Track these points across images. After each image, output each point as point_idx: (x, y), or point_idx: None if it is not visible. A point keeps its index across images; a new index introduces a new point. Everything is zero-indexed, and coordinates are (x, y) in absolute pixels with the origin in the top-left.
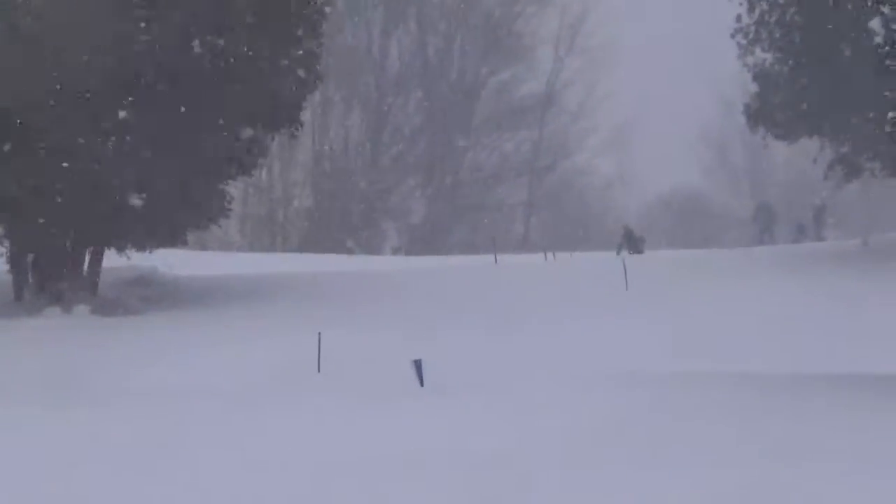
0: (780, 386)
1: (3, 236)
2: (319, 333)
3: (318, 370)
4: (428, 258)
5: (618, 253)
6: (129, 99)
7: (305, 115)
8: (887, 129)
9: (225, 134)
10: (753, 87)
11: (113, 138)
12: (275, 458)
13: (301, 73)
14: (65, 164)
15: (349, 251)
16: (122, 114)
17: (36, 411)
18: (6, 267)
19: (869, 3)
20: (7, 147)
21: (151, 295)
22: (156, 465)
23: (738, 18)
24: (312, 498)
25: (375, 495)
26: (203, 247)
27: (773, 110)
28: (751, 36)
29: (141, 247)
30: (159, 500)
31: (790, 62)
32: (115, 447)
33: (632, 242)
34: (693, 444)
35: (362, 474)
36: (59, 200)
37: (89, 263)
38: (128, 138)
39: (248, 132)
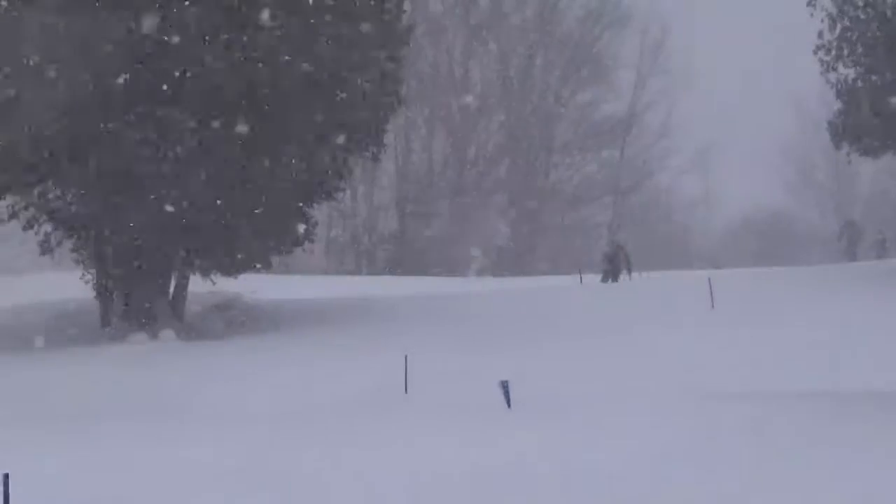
0: (865, 403)
1: (89, 263)
2: (406, 356)
3: (406, 391)
4: (513, 279)
5: (604, 279)
6: (216, 126)
7: (388, 138)
8: None
9: (308, 158)
10: (837, 104)
11: (199, 166)
12: (363, 480)
13: (383, 96)
14: (152, 196)
15: (433, 273)
16: (207, 140)
17: (125, 435)
18: (93, 293)
19: None
20: (88, 176)
21: (236, 319)
22: (246, 488)
23: (820, 35)
24: None
25: None
26: (288, 271)
27: (857, 126)
28: (833, 52)
29: (226, 272)
30: None
31: (873, 78)
32: (205, 470)
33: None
34: (787, 466)
35: (451, 494)
36: (145, 227)
37: (174, 289)
38: (212, 165)
39: (331, 156)
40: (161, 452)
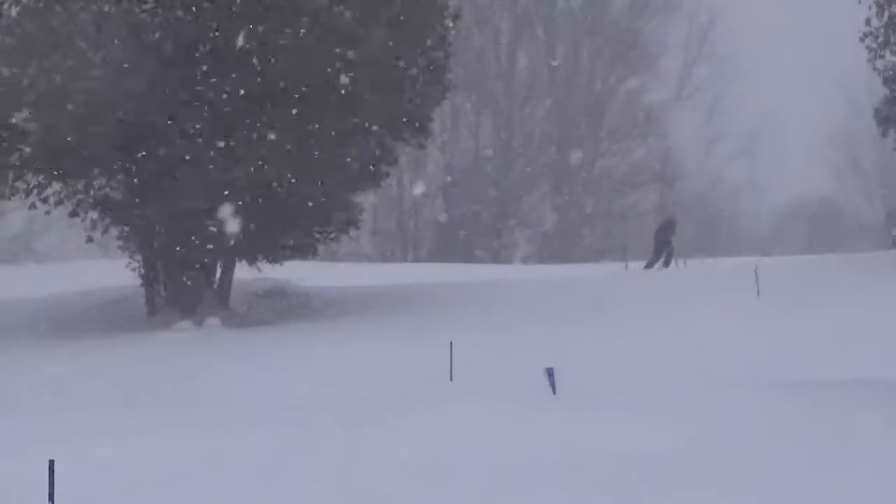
0: None
1: (135, 250)
2: (451, 342)
3: (451, 379)
4: (558, 266)
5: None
6: (263, 110)
7: (435, 125)
8: None
9: (355, 144)
10: (884, 91)
11: (246, 154)
12: (407, 469)
13: (430, 82)
14: (195, 176)
15: (478, 260)
16: (254, 126)
17: (172, 423)
18: (139, 281)
19: None
20: (137, 164)
21: (282, 307)
22: (284, 476)
23: (868, 22)
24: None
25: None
26: (334, 258)
27: None
28: (880, 39)
29: (272, 259)
30: None
31: None
32: (253, 458)
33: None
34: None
35: (499, 479)
36: (191, 213)
37: (220, 276)
38: (259, 154)
39: (378, 142)
40: (202, 440)
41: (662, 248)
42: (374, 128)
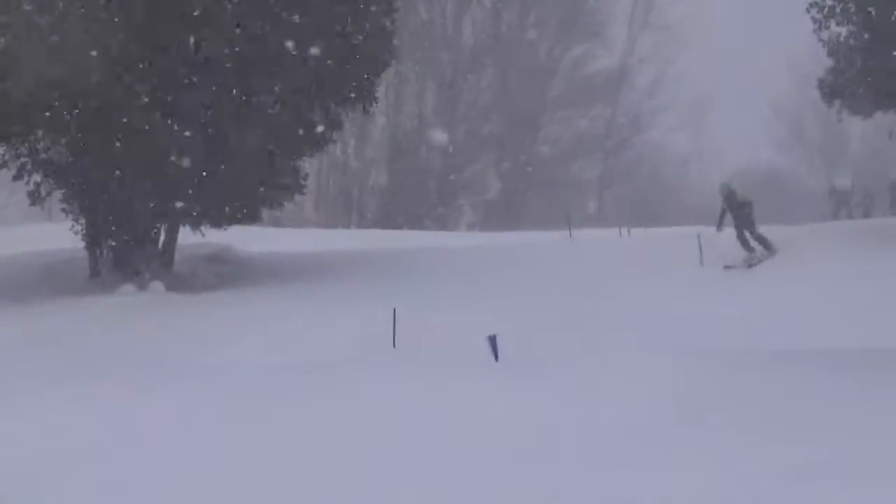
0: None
1: (79, 213)
2: (395, 309)
3: (394, 345)
4: (503, 234)
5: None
6: (203, 74)
7: (380, 92)
8: None
9: (299, 109)
10: (828, 62)
11: (190, 117)
12: (352, 431)
13: (375, 49)
14: (138, 140)
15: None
16: (196, 89)
17: (115, 388)
18: (82, 244)
19: None
20: (81, 126)
21: (226, 271)
22: (237, 441)
23: None
24: (393, 467)
25: (451, 464)
26: (278, 224)
27: (848, 84)
28: (826, 10)
29: (216, 223)
30: (242, 475)
31: (866, 36)
32: (196, 423)
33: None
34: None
35: (438, 447)
36: (134, 177)
37: (164, 240)
38: (203, 114)
39: (322, 108)
40: (144, 405)
41: (749, 227)
42: (320, 92)
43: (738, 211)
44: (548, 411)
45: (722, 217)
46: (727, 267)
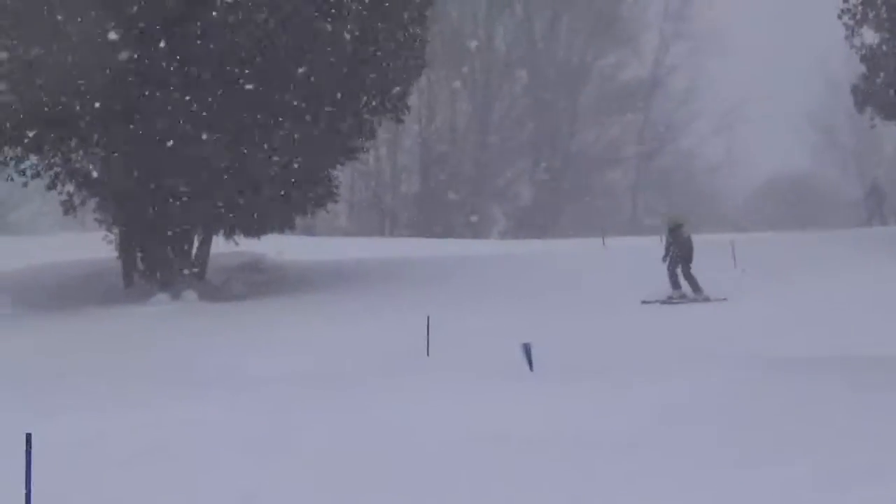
0: (873, 369)
1: (112, 223)
2: (428, 317)
3: (428, 354)
4: (536, 241)
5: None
6: (237, 84)
7: (412, 100)
8: None
9: (332, 119)
10: (861, 68)
11: (222, 126)
12: (385, 440)
13: (408, 57)
14: (171, 150)
15: (456, 234)
16: (228, 98)
17: (147, 397)
18: (115, 254)
19: None
20: (113, 135)
21: (260, 281)
22: (258, 450)
23: None
24: (428, 477)
25: (487, 474)
26: (311, 232)
27: (880, 91)
28: (858, 16)
29: (249, 232)
30: (273, 483)
31: None
32: (227, 431)
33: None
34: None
35: (472, 456)
36: (168, 187)
37: (197, 249)
38: (236, 125)
39: (354, 116)
40: (175, 414)
41: (685, 264)
42: (352, 100)
43: (679, 245)
44: (583, 423)
45: (668, 248)
46: (644, 302)
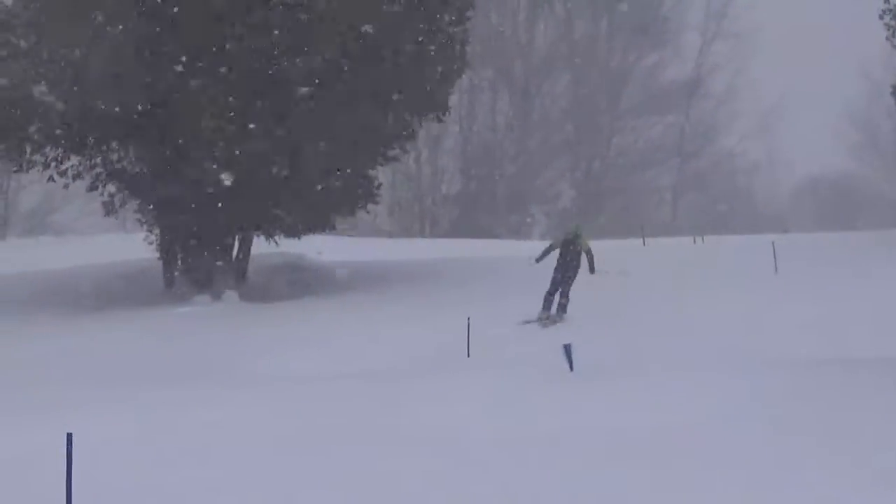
0: None
1: (153, 224)
2: (469, 318)
3: (468, 355)
4: None
5: None
6: (281, 89)
7: (452, 101)
8: None
9: (373, 120)
10: None
11: (265, 129)
12: (427, 440)
13: (448, 58)
14: (215, 153)
15: (496, 236)
16: (270, 100)
17: (190, 395)
18: (157, 255)
19: None
20: (157, 137)
21: (299, 280)
22: (301, 448)
23: None
24: (473, 475)
25: (528, 471)
26: (352, 233)
27: None
28: None
29: (290, 233)
30: (312, 480)
31: None
32: (262, 431)
33: None
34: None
35: (511, 452)
36: (209, 189)
37: (238, 250)
38: (278, 128)
39: (395, 118)
40: (219, 414)
41: (567, 284)
42: (393, 102)
43: (572, 260)
44: (624, 423)
45: (548, 252)
46: (526, 322)
